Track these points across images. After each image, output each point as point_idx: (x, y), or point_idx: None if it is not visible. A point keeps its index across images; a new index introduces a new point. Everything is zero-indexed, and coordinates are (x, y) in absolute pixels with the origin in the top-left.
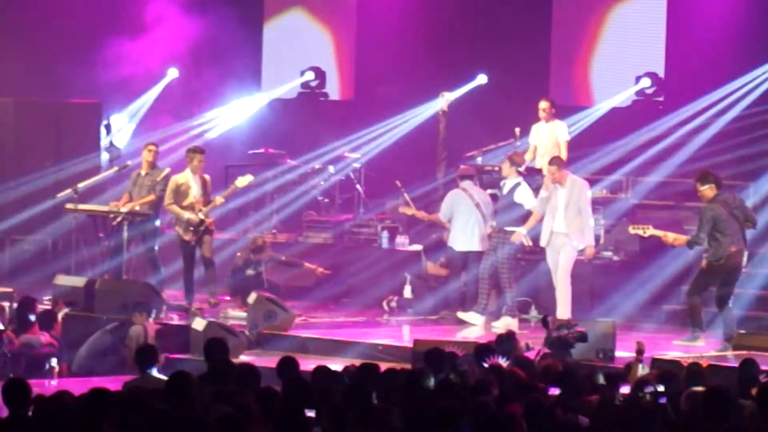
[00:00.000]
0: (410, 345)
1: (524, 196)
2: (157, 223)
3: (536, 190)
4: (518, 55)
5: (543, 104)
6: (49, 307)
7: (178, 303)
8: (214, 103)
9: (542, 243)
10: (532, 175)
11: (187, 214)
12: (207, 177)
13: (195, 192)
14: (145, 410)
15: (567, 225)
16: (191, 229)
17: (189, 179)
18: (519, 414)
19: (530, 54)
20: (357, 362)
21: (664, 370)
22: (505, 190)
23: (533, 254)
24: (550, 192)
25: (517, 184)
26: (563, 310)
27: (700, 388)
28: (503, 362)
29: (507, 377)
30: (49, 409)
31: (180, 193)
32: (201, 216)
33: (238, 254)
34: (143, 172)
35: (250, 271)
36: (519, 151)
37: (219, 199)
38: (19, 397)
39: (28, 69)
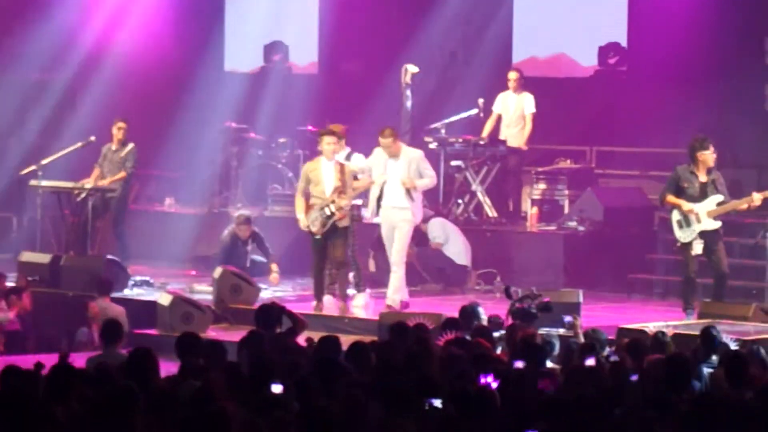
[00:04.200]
0: (376, 318)
1: (359, 163)
2: (127, 197)
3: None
4: (481, 26)
5: (512, 74)
6: (14, 285)
7: (143, 278)
8: (177, 76)
9: (368, 214)
10: (495, 146)
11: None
12: (346, 162)
13: (330, 180)
14: (111, 386)
15: (408, 199)
16: (318, 221)
17: (320, 166)
18: (492, 387)
19: (493, 24)
20: (320, 335)
21: (632, 339)
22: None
23: (499, 225)
24: (379, 162)
25: (350, 154)
26: (396, 291)
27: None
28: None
29: (472, 349)
30: (19, 383)
31: (311, 182)
32: (329, 210)
33: (225, 231)
34: (114, 147)
35: (247, 248)
36: (331, 125)
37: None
38: None
39: None
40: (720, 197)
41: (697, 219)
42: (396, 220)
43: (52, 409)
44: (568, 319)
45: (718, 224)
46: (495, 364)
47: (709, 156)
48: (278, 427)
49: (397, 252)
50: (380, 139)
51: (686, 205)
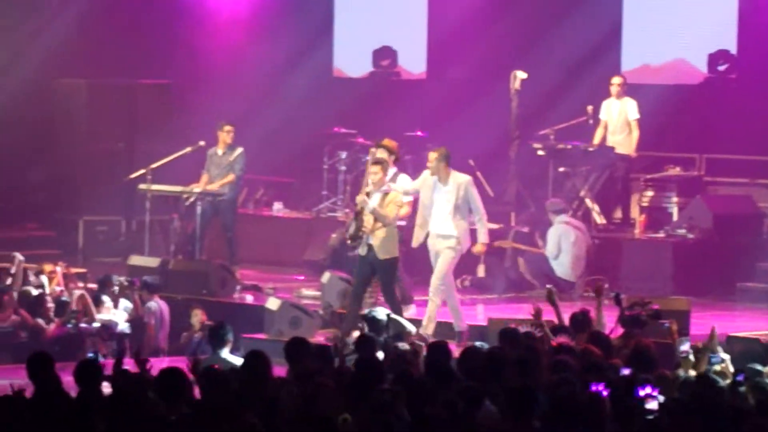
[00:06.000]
0: (484, 323)
1: (403, 184)
2: (236, 201)
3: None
4: (590, 32)
5: (616, 80)
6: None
7: (251, 282)
8: (285, 81)
9: (414, 244)
10: (604, 153)
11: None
12: (394, 189)
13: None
14: (222, 389)
15: (456, 226)
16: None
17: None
18: (602, 393)
19: (602, 30)
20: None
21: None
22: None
23: (607, 232)
24: (427, 185)
25: (396, 174)
26: (430, 320)
27: None
28: (571, 340)
29: (582, 355)
30: (128, 386)
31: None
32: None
33: (333, 235)
34: (220, 152)
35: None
36: (386, 139)
37: None
38: (90, 377)
39: (100, 50)
40: None
41: None
42: (440, 248)
43: (162, 412)
44: (665, 324)
45: None
46: (607, 372)
47: None
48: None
49: (435, 279)
50: (429, 155)
51: None
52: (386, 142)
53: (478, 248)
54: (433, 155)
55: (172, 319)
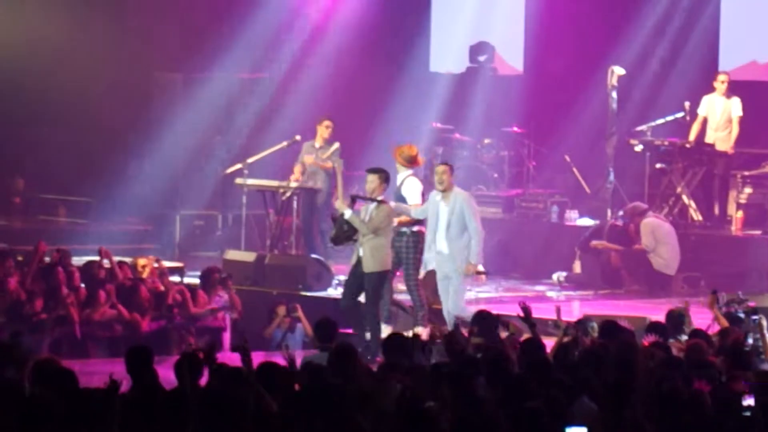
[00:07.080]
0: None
1: (411, 189)
2: (332, 196)
3: None
4: (687, 28)
5: (723, 77)
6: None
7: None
8: (383, 77)
9: (429, 265)
10: (702, 149)
11: None
12: (391, 204)
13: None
14: (318, 383)
15: (449, 245)
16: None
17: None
18: (705, 392)
19: (700, 26)
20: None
21: None
22: (398, 184)
23: (704, 228)
24: (431, 201)
25: (406, 177)
26: None
27: None
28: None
29: (688, 352)
30: (225, 379)
31: None
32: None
33: None
34: (317, 145)
35: None
36: (406, 144)
37: None
38: (191, 371)
39: (197, 45)
40: None
41: None
42: (447, 271)
43: (258, 406)
44: (755, 319)
45: None
46: (709, 369)
47: None
48: (484, 426)
49: (450, 313)
50: (437, 168)
51: None
52: (405, 148)
53: (467, 269)
54: (442, 168)
55: (265, 314)
